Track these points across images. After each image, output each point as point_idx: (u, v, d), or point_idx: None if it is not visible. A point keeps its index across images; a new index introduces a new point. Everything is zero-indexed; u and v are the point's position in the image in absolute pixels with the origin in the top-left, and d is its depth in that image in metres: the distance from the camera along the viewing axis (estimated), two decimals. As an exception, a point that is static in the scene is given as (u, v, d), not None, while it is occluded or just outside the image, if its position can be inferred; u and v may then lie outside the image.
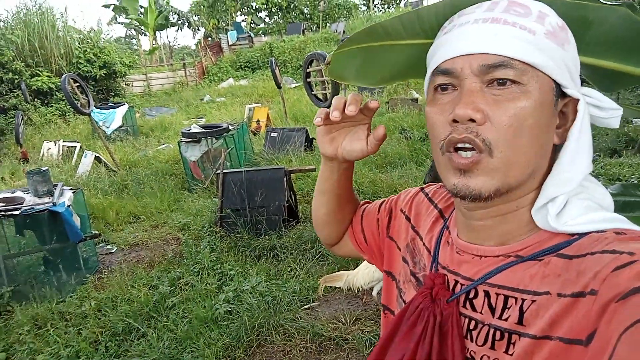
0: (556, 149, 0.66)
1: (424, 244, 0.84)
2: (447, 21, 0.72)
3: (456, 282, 0.72)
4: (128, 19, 30.72)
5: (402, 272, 0.88)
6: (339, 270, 3.96)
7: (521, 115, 0.60)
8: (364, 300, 3.66)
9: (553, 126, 0.65)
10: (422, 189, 0.94)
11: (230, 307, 3.56)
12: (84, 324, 3.58)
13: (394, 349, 0.74)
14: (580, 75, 0.70)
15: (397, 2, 33.58)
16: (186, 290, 4.02)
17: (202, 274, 4.23)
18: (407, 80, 1.23)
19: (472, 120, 0.61)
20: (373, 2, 33.51)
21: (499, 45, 0.61)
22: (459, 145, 0.62)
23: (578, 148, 0.63)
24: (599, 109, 0.66)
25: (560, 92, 0.64)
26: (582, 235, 0.62)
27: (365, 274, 3.22)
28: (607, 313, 0.49)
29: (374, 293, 3.35)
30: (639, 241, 0.55)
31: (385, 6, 33.95)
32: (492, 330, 0.64)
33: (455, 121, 0.62)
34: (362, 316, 3.35)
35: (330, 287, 3.68)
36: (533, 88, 0.61)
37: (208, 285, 3.98)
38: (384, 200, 1.00)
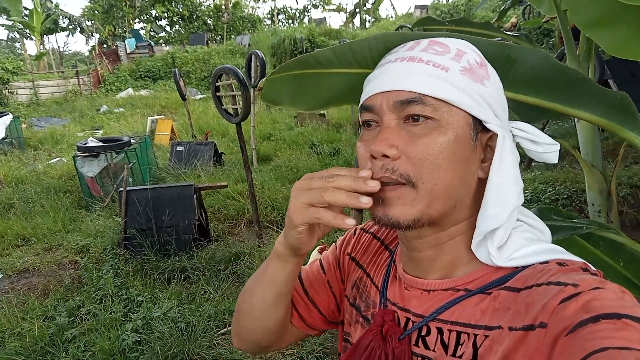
0: (484, 183, 0.67)
1: (371, 280, 0.82)
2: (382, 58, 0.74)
3: (407, 319, 0.71)
4: (10, 20, 28.07)
5: (347, 314, 0.85)
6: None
7: (435, 149, 0.62)
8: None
9: (475, 160, 0.66)
10: (363, 229, 0.92)
11: (139, 337, 3.31)
12: (-36, 367, 3.14)
13: None
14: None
15: (301, 18, 34.18)
16: (88, 320, 3.67)
17: (105, 301, 3.90)
18: (342, 105, 1.25)
19: (387, 156, 0.62)
20: (277, 17, 33.80)
21: (411, 82, 0.63)
22: None
23: (502, 182, 0.64)
24: (534, 143, 0.68)
25: (482, 127, 0.66)
26: (525, 266, 0.63)
27: None
28: (558, 346, 0.49)
29: None
30: (580, 272, 0.58)
31: (290, 21, 34.39)
32: None
33: (373, 157, 0.64)
34: (282, 337, 3.27)
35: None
36: (446, 123, 0.63)
37: (113, 313, 3.67)
38: (320, 259, 0.94)
